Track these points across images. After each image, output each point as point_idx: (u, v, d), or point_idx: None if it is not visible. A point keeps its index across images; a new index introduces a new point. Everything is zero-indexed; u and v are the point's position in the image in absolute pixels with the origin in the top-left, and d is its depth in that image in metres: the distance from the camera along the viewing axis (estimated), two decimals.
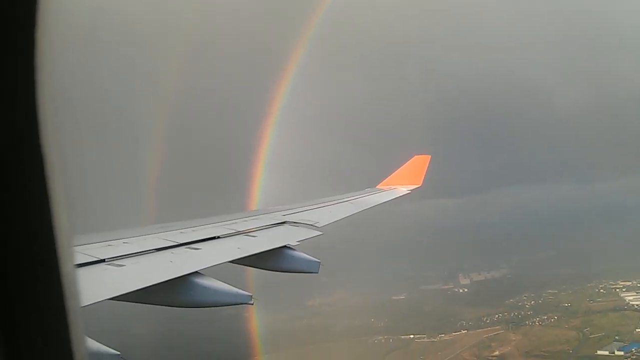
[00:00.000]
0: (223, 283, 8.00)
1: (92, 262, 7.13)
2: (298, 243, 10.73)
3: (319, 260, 10.43)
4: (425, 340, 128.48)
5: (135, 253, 7.93)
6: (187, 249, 8.68)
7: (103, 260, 7.26)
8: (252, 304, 8.08)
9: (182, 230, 9.90)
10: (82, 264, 6.93)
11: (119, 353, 6.11)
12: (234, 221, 11.42)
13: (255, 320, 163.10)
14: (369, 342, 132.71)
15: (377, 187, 19.79)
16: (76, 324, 1.62)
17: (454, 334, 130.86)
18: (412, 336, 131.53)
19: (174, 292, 7.54)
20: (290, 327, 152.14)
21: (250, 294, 8.09)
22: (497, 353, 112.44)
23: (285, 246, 10.22)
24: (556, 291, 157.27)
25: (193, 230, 9.94)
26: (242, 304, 8.19)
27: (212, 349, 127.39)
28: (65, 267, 1.67)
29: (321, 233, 11.88)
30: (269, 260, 10.06)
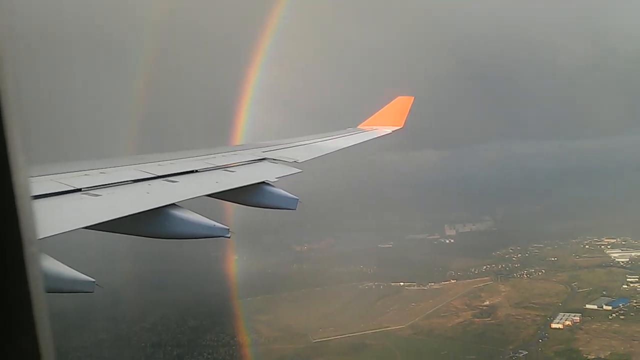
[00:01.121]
0: (200, 215, 7.89)
1: (68, 191, 7.07)
2: (277, 179, 10.62)
3: (297, 198, 10.17)
4: (415, 288, 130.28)
5: (112, 184, 7.85)
6: (165, 182, 8.60)
7: (79, 190, 7.19)
8: (229, 237, 7.99)
9: (160, 163, 9.83)
10: (58, 192, 6.87)
11: (94, 280, 6.00)
12: (213, 156, 11.35)
13: (244, 263, 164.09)
14: (359, 288, 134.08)
15: (358, 127, 19.58)
16: (32, 251, 1.56)
17: (443, 283, 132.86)
18: (402, 284, 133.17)
19: (150, 223, 7.50)
20: (280, 272, 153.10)
21: (228, 227, 7.94)
22: (487, 303, 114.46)
23: (263, 182, 10.12)
24: (542, 245, 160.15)
25: (171, 163, 9.86)
26: (219, 236, 7.96)
27: (201, 288, 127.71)
28: (22, 198, 1.57)
29: (300, 170, 11.75)
30: (247, 195, 9.93)
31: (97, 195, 7.26)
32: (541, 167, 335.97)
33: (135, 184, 8.27)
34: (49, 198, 6.72)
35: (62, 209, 6.74)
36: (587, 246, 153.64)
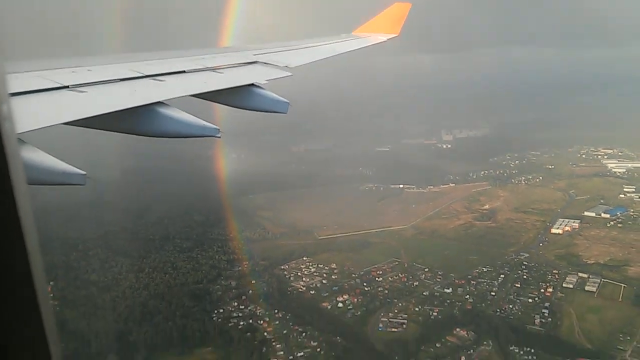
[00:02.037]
0: (189, 114, 7.77)
1: (54, 87, 7.00)
2: (267, 82, 10.44)
3: (288, 101, 10.06)
4: (415, 190, 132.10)
5: (100, 81, 7.79)
6: (152, 80, 8.55)
7: (66, 87, 7.14)
8: (220, 137, 7.83)
9: (148, 62, 9.68)
10: (44, 89, 6.84)
11: (84, 173, 5.91)
12: (203, 57, 11.17)
13: (242, 162, 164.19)
14: (360, 189, 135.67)
15: (353, 33, 18.99)
16: (11, 142, 1.53)
17: (442, 186, 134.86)
18: (401, 186, 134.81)
19: (138, 121, 7.45)
20: (279, 171, 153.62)
21: (218, 127, 7.81)
22: (487, 207, 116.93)
23: (252, 84, 10.00)
24: (539, 153, 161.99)
25: (160, 63, 9.70)
26: (209, 136, 7.85)
27: (201, 186, 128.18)
28: None
29: (290, 74, 11.52)
30: (237, 97, 9.84)
31: (83, 92, 7.21)
32: (540, 74, 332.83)
33: (123, 82, 8.18)
34: (33, 94, 6.66)
35: (47, 105, 6.67)
36: (583, 155, 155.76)
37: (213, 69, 10.24)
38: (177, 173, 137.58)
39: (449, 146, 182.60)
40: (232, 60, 11.17)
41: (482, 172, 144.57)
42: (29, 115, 5.96)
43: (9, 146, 1.52)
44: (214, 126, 7.84)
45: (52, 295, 79.73)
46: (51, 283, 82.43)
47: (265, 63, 11.57)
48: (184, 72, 9.56)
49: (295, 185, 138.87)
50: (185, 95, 8.54)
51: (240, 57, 11.67)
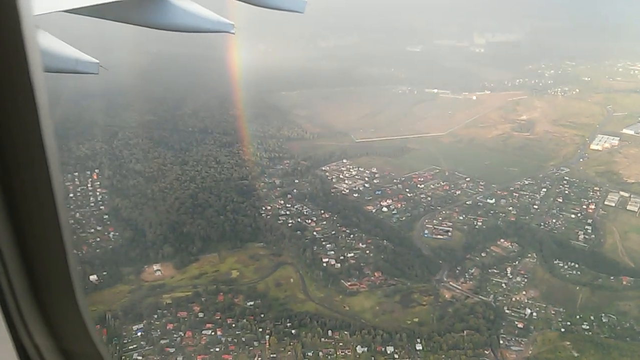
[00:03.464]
0: (202, 7, 7.51)
1: None
2: None
3: (306, 0, 9.71)
4: (450, 96, 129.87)
5: None
6: None
7: None
8: (234, 33, 7.68)
9: None
10: None
11: (97, 61, 5.86)
12: None
13: (270, 55, 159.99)
14: (392, 92, 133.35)
15: None
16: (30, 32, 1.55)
17: (477, 93, 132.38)
18: (435, 90, 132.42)
19: (148, 10, 7.13)
20: (309, 67, 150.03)
21: (232, 23, 7.59)
22: (524, 117, 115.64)
23: None
24: (574, 64, 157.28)
25: None
26: (223, 31, 7.75)
27: (230, 80, 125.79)
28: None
29: None
30: None
31: None
32: None
33: None
34: None
35: None
36: (620, 69, 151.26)
37: None
38: (202, 66, 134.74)
39: (482, 50, 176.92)
40: None
41: (517, 81, 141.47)
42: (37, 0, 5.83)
43: (26, 26, 1.52)
44: (229, 21, 7.60)
45: (99, 183, 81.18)
46: (96, 170, 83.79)
47: None
48: None
49: (327, 83, 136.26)
50: None
51: None
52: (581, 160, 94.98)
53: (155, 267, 64.11)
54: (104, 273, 61.84)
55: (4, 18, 1.49)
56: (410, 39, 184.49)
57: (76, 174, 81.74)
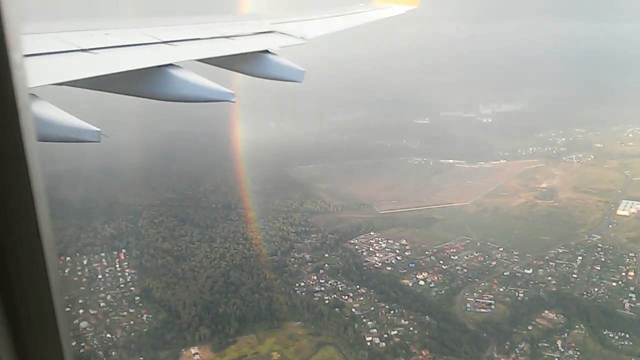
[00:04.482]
0: (202, 77, 7.65)
1: (70, 50, 7.09)
2: (280, 48, 10.42)
3: (304, 69, 9.84)
4: (466, 166, 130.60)
5: (114, 45, 7.86)
6: (167, 45, 8.58)
7: (82, 49, 7.24)
8: (234, 102, 7.71)
9: (165, 28, 9.71)
10: (59, 51, 6.92)
11: (99, 130, 5.95)
12: (219, 24, 11.21)
13: (282, 131, 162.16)
14: (408, 163, 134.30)
15: (372, 3, 18.87)
16: (24, 101, 1.57)
17: (493, 162, 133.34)
18: (451, 161, 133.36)
19: (149, 83, 7.46)
20: (322, 141, 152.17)
21: (233, 92, 7.65)
22: (544, 185, 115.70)
23: (266, 51, 9.89)
24: (584, 130, 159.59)
25: (176, 29, 9.73)
26: (223, 100, 7.69)
27: (246, 154, 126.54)
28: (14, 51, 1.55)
29: (304, 42, 11.39)
30: (250, 63, 9.78)
31: (96, 54, 7.26)
32: (572, 48, 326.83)
33: (138, 47, 8.24)
34: (47, 56, 6.69)
35: (59, 64, 6.72)
36: (630, 134, 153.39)
37: (229, 37, 10.17)
38: (216, 144, 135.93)
39: (489, 120, 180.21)
40: (249, 29, 11.15)
41: (531, 149, 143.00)
42: (39, 73, 5.97)
43: (20, 96, 1.52)
44: (229, 90, 7.69)
45: (126, 263, 79.45)
46: (123, 250, 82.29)
47: (282, 33, 11.47)
48: (199, 39, 9.56)
49: (342, 156, 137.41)
50: (198, 60, 8.59)
51: (257, 26, 11.60)
52: (610, 226, 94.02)
53: (193, 350, 61.49)
54: (141, 358, 59.17)
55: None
56: (417, 111, 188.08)
57: (103, 254, 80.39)
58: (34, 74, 5.90)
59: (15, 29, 1.51)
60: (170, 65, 7.69)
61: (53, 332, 1.72)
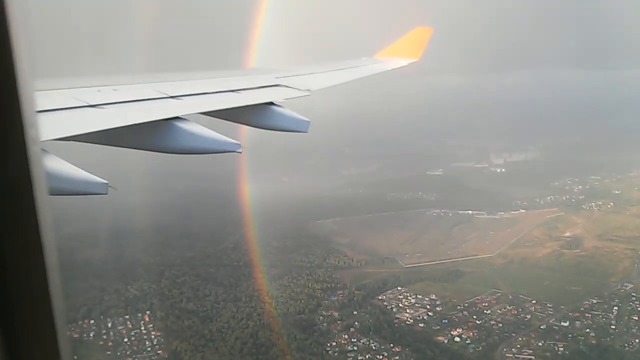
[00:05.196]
0: (208, 129, 7.78)
1: (78, 106, 7.19)
2: (285, 100, 10.51)
3: (309, 120, 9.91)
4: (486, 217, 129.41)
5: (122, 101, 7.97)
6: (173, 100, 8.71)
7: (90, 105, 7.35)
8: (240, 152, 7.77)
9: (172, 83, 9.84)
10: (67, 107, 7.03)
11: (106, 182, 5.95)
12: (226, 78, 11.39)
13: (296, 186, 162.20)
14: (427, 215, 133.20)
15: (374, 57, 19.46)
16: (35, 150, 1.58)
17: (513, 212, 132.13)
18: (470, 212, 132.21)
19: (155, 136, 7.55)
20: (338, 195, 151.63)
21: (239, 143, 7.74)
22: (568, 234, 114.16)
23: (271, 102, 10.04)
24: (599, 177, 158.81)
25: (183, 85, 9.85)
26: (229, 151, 7.75)
27: (264, 210, 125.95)
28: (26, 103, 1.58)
29: (309, 94, 11.52)
30: (256, 115, 9.91)
31: (104, 109, 7.38)
32: (578, 96, 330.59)
33: (145, 102, 8.33)
34: (55, 112, 6.78)
35: (67, 120, 6.85)
36: None
37: (235, 91, 10.33)
38: (229, 201, 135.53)
39: (503, 170, 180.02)
40: (254, 83, 11.33)
41: (548, 198, 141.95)
42: (46, 129, 6.07)
43: (33, 154, 1.54)
44: (235, 141, 7.75)
45: (152, 325, 77.59)
46: (147, 312, 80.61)
47: (287, 86, 11.62)
48: (205, 93, 9.73)
49: (359, 210, 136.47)
50: (203, 112, 8.71)
51: (263, 80, 11.79)
52: None
53: None
54: None
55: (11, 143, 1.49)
56: (428, 163, 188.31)
57: (127, 316, 78.61)
58: (41, 129, 5.71)
59: (30, 84, 1.51)
60: (177, 118, 7.80)
61: (51, 339, 1.67)
